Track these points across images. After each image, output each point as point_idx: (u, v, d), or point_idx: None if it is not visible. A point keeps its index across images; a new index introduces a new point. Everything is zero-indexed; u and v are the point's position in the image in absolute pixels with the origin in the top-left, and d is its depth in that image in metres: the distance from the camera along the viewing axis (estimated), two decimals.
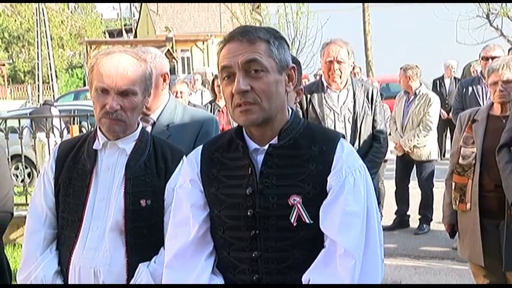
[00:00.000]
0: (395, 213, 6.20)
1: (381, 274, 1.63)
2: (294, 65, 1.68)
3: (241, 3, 18.14)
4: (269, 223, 1.60)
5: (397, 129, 6.02)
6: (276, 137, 1.64)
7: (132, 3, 47.72)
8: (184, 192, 1.71)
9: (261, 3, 17.87)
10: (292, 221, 1.58)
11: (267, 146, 1.63)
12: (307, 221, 1.58)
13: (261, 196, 1.61)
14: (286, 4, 15.94)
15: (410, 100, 5.92)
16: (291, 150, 1.63)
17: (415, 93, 5.89)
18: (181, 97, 5.82)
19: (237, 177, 1.65)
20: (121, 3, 47.05)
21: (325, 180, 1.60)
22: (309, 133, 1.67)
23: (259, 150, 1.65)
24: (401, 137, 5.89)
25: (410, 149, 5.87)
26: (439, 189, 6.31)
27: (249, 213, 1.61)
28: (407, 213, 6.21)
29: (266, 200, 1.60)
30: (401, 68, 6.08)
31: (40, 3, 25.35)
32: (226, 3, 21.04)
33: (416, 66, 5.99)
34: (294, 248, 1.60)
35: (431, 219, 6.00)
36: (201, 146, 1.77)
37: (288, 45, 1.68)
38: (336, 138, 1.66)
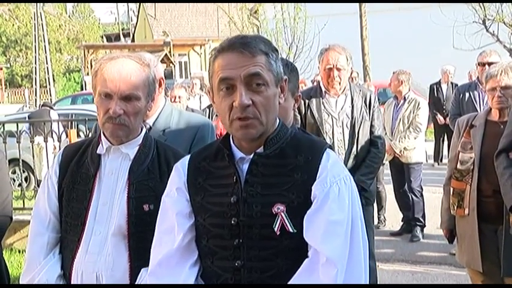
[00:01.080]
0: (402, 220, 6.24)
1: (365, 283, 1.61)
2: (286, 77, 1.68)
3: (239, 9, 18.15)
4: (253, 232, 1.59)
5: (386, 133, 6.05)
6: (262, 146, 1.64)
7: (129, 8, 47.78)
8: (171, 200, 1.71)
9: (259, 9, 17.90)
10: (275, 229, 1.57)
11: (252, 154, 1.63)
12: (291, 230, 1.57)
13: (245, 204, 1.60)
14: (284, 9, 15.95)
15: (400, 105, 6.02)
16: (276, 160, 1.63)
17: (404, 98, 5.98)
18: (180, 102, 5.81)
19: (223, 185, 1.65)
20: (118, 8, 47.08)
21: (309, 189, 1.59)
22: (296, 143, 1.67)
23: (245, 159, 1.65)
24: (391, 141, 5.93)
25: (400, 152, 5.91)
26: (436, 195, 6.35)
27: (233, 222, 1.61)
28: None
29: (250, 208, 1.60)
30: (394, 72, 6.15)
31: (38, 8, 25.34)
32: (223, 8, 21.07)
33: (409, 73, 6.09)
34: (277, 257, 1.59)
35: (425, 225, 6.01)
36: (188, 155, 1.77)
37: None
38: (322, 148, 1.66)
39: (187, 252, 1.66)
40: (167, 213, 1.70)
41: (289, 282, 1.57)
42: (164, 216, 1.72)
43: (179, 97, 5.87)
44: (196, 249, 1.67)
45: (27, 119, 9.27)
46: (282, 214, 1.57)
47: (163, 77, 2.56)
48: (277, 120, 1.68)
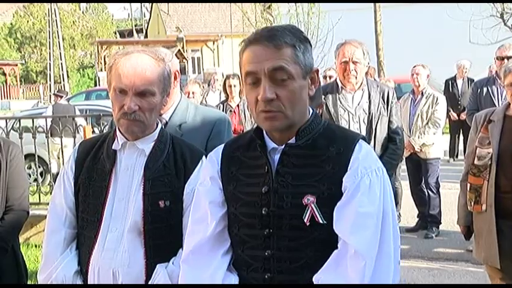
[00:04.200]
0: (417, 216, 6.20)
1: (394, 277, 1.60)
2: (317, 68, 1.67)
3: (252, 3, 18.11)
4: (283, 222, 1.60)
5: (403, 129, 5.98)
6: (294, 137, 1.63)
7: (142, 4, 47.93)
8: (204, 189, 1.73)
9: (272, 4, 17.85)
10: (305, 220, 1.57)
11: (284, 145, 1.64)
12: (321, 221, 1.57)
13: (275, 195, 1.61)
14: (298, 4, 15.89)
15: (417, 100, 5.95)
16: (308, 150, 1.63)
17: (422, 93, 5.91)
18: (194, 97, 5.80)
19: (255, 175, 1.66)
20: (132, 4, 47.25)
21: (340, 180, 1.59)
22: (329, 134, 1.66)
23: (277, 149, 1.65)
24: (409, 137, 5.87)
25: (420, 147, 5.85)
26: (452, 191, 6.30)
27: (263, 212, 1.62)
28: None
29: (280, 198, 1.60)
30: (415, 66, 6.03)
31: (52, 4, 25.53)
32: (237, 4, 21.02)
33: (429, 68, 6.02)
34: (307, 247, 1.59)
35: (441, 221, 5.96)
36: (222, 145, 1.78)
37: (311, 45, 1.66)
38: (354, 140, 1.64)
39: (220, 240, 1.68)
40: (200, 202, 1.72)
41: (317, 274, 1.58)
42: (198, 205, 1.73)
43: (193, 93, 5.86)
44: (228, 238, 1.69)
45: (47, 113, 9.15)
46: (312, 205, 1.57)
47: (179, 71, 2.55)
48: (310, 111, 1.67)
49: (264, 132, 1.68)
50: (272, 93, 1.55)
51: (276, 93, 1.55)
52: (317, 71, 1.66)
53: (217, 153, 1.76)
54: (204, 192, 1.73)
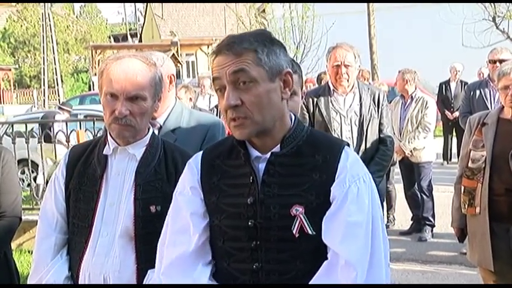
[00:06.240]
0: (412, 219, 6.21)
1: (386, 281, 1.58)
2: (290, 70, 1.59)
3: (247, 7, 18.09)
4: (270, 234, 1.56)
5: (394, 133, 5.99)
6: (279, 145, 1.59)
7: (137, 8, 47.93)
8: (184, 199, 1.67)
9: (267, 7, 17.85)
10: (294, 232, 1.54)
11: (269, 154, 1.59)
12: (310, 232, 1.54)
13: (262, 206, 1.56)
14: (292, 8, 15.90)
15: (407, 104, 5.98)
16: (293, 159, 1.59)
17: (411, 97, 5.94)
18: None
19: (238, 185, 1.60)
20: (126, 8, 47.22)
21: (328, 190, 1.56)
22: (313, 141, 1.62)
23: (261, 158, 1.60)
24: (400, 141, 5.89)
25: (410, 152, 5.87)
26: (446, 193, 6.32)
27: (250, 224, 1.56)
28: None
29: (267, 210, 1.56)
30: (399, 71, 6.10)
31: (46, 9, 25.50)
32: (231, 7, 21.03)
33: (415, 71, 6.04)
34: (296, 259, 1.56)
35: (434, 224, 5.97)
36: (201, 152, 1.73)
37: (283, 48, 1.61)
38: (340, 147, 1.61)
39: (202, 253, 1.63)
40: (181, 212, 1.66)
41: (308, 285, 1.54)
42: (177, 215, 1.67)
43: (179, 98, 5.83)
44: (209, 250, 1.64)
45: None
46: (301, 216, 1.53)
47: (175, 75, 2.54)
48: (293, 117, 1.64)
49: (246, 140, 1.63)
50: (236, 99, 1.51)
51: (241, 99, 1.51)
52: (289, 72, 1.59)
53: (196, 160, 1.71)
54: (184, 203, 1.67)
